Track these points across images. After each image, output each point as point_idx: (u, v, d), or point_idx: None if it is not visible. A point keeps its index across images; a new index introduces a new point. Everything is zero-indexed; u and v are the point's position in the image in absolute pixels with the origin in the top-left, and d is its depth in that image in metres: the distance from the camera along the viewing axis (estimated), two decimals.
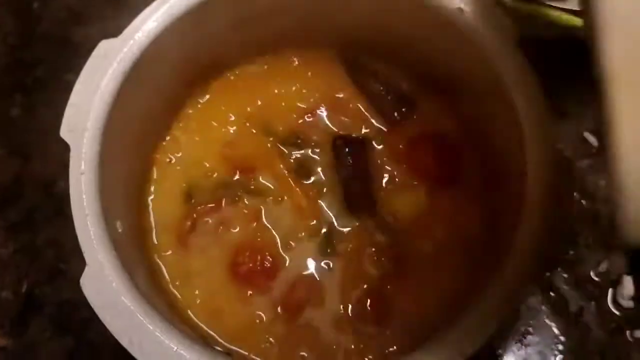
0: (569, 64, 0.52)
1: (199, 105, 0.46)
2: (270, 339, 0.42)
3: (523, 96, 0.38)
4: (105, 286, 0.34)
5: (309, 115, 0.46)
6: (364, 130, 0.46)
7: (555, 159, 0.36)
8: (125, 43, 0.38)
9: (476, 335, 0.33)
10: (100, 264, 0.34)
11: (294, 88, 0.47)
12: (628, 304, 0.46)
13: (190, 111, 0.46)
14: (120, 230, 0.38)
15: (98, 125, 0.36)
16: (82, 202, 0.35)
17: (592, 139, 0.50)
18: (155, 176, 0.45)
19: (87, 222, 0.35)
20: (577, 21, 0.46)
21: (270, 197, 0.45)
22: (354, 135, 0.46)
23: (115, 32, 0.39)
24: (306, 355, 0.41)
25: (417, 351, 0.34)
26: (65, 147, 0.36)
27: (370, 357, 0.40)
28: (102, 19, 0.52)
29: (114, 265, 0.34)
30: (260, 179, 0.45)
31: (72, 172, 0.36)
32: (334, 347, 0.41)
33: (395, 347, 0.41)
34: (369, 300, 0.43)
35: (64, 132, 0.36)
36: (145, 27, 0.38)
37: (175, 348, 0.33)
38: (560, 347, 0.45)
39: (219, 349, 0.40)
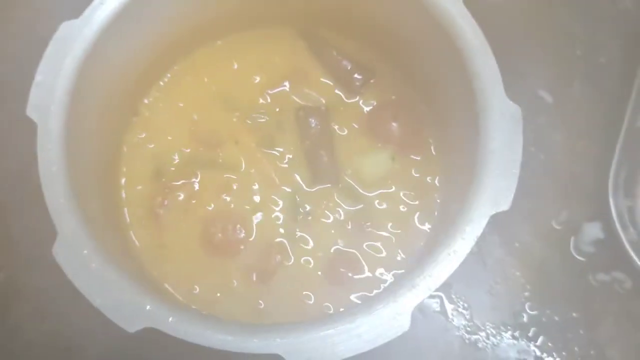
0: (521, 25, 0.54)
1: (164, 85, 0.48)
2: (246, 305, 0.43)
3: (473, 55, 0.39)
4: (76, 253, 0.35)
5: (272, 88, 0.48)
6: (326, 101, 0.48)
7: (506, 110, 0.38)
8: (85, 23, 0.39)
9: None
10: (70, 232, 0.35)
11: (256, 64, 0.48)
12: (589, 249, 0.48)
13: (156, 91, 0.48)
14: (96, 211, 0.39)
15: (63, 102, 0.37)
16: (51, 175, 0.36)
17: (547, 96, 0.52)
18: (125, 154, 0.46)
19: (57, 193, 0.36)
20: None
21: (238, 170, 0.46)
22: (316, 105, 0.48)
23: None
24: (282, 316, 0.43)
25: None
26: (33, 135, 0.37)
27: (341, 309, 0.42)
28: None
29: (84, 233, 0.35)
30: (227, 152, 0.46)
31: (40, 147, 0.37)
32: (310, 307, 0.43)
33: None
34: (340, 262, 0.44)
35: (30, 111, 0.37)
36: (104, 7, 0.40)
37: (148, 306, 0.34)
38: (527, 294, 0.47)
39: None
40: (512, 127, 0.37)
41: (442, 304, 0.47)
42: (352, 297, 0.43)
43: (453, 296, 0.47)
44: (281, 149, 0.46)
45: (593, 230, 0.48)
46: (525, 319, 0.47)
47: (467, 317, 0.47)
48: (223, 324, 0.34)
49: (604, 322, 0.47)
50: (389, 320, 0.34)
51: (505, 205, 0.36)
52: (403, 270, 0.43)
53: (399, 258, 0.44)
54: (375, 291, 0.43)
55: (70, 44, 0.39)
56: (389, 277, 0.43)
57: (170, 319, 0.33)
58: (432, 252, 0.35)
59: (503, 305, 0.47)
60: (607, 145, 0.50)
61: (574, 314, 0.47)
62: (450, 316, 0.47)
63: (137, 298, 0.34)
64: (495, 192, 0.36)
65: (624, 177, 0.49)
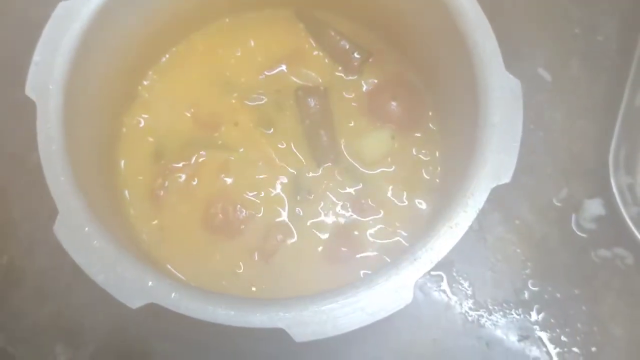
0: (519, 6, 0.54)
1: (162, 67, 0.47)
2: (248, 285, 0.43)
3: (471, 30, 0.39)
4: (77, 231, 0.35)
5: (270, 69, 0.48)
6: (325, 80, 0.48)
7: (506, 85, 0.38)
8: (83, 3, 0.39)
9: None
10: (71, 210, 0.35)
11: (254, 46, 0.48)
12: (591, 226, 0.48)
13: (154, 74, 0.47)
14: (96, 191, 0.39)
15: (61, 82, 0.37)
16: (51, 154, 0.36)
17: (546, 75, 0.52)
18: (125, 137, 0.46)
19: (57, 171, 0.36)
20: None
21: (238, 151, 0.46)
22: (315, 85, 0.47)
23: None
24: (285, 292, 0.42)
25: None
26: (32, 119, 0.37)
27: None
28: None
29: (85, 212, 0.35)
30: (227, 134, 0.46)
31: (39, 126, 0.36)
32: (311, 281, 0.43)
33: None
34: (342, 241, 0.44)
35: (29, 91, 0.37)
36: None
37: (150, 283, 0.34)
38: (529, 271, 0.47)
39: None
40: (513, 101, 0.37)
41: (444, 282, 0.47)
42: (354, 275, 0.43)
43: (455, 274, 0.47)
44: (280, 129, 0.46)
45: (594, 207, 0.48)
46: (527, 296, 0.47)
47: (469, 294, 0.47)
48: (226, 298, 0.34)
49: (606, 298, 0.47)
50: (392, 293, 0.34)
51: (506, 178, 0.36)
52: (404, 247, 0.43)
53: (400, 236, 0.44)
54: (377, 267, 0.43)
55: (67, 24, 0.39)
56: (390, 255, 0.43)
57: (173, 294, 0.33)
58: (434, 225, 0.35)
59: (505, 282, 0.47)
60: (606, 122, 0.50)
61: (576, 291, 0.47)
62: (452, 294, 0.47)
63: (139, 274, 0.34)
64: (496, 164, 0.36)
65: (624, 154, 0.49)
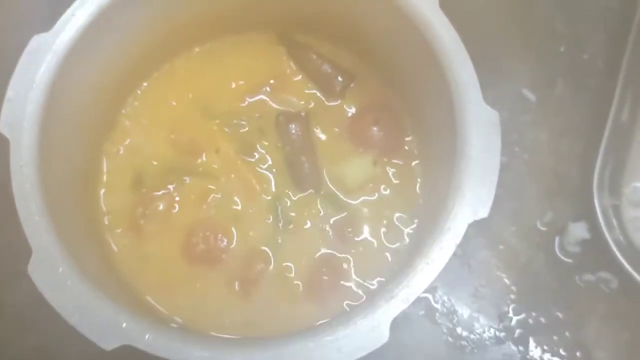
0: (503, 23, 0.54)
1: (141, 94, 0.47)
2: (229, 315, 0.43)
3: (449, 61, 0.38)
4: (52, 271, 0.34)
5: (251, 95, 0.47)
6: (306, 106, 0.47)
7: (484, 116, 0.37)
8: (57, 35, 0.38)
9: None
10: (45, 250, 0.35)
11: (235, 70, 0.48)
12: (575, 249, 0.48)
13: (134, 101, 0.47)
14: (73, 225, 0.39)
15: (35, 118, 0.37)
16: (25, 193, 0.36)
17: (531, 95, 0.51)
18: (105, 166, 0.45)
19: (31, 211, 0.35)
20: None
21: (219, 178, 0.45)
22: (296, 111, 0.47)
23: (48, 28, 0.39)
24: (264, 327, 0.42)
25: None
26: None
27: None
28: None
29: (60, 252, 0.35)
30: (208, 160, 0.46)
31: (12, 165, 0.36)
32: (292, 317, 0.43)
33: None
34: (323, 269, 0.44)
35: (2, 127, 0.37)
36: (76, 18, 0.39)
37: (124, 324, 0.33)
38: (513, 296, 0.47)
39: (174, 325, 0.41)
40: (491, 134, 0.37)
41: (427, 308, 0.47)
42: (336, 304, 0.43)
43: (438, 299, 0.47)
44: (262, 156, 0.46)
45: (578, 231, 0.48)
46: (511, 321, 0.46)
47: (453, 320, 0.46)
48: (201, 340, 0.34)
49: (590, 322, 0.47)
50: (368, 332, 0.33)
51: (483, 213, 0.35)
52: (385, 279, 0.42)
53: (382, 263, 0.44)
54: (359, 298, 0.43)
55: (41, 58, 0.38)
56: (372, 284, 0.43)
57: (147, 336, 0.33)
58: (411, 261, 0.35)
59: (489, 307, 0.47)
60: (592, 143, 0.50)
61: (560, 315, 0.47)
62: (436, 320, 0.46)
63: (113, 315, 0.34)
64: (473, 199, 0.36)
65: (609, 174, 0.48)
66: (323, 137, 0.46)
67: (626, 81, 0.50)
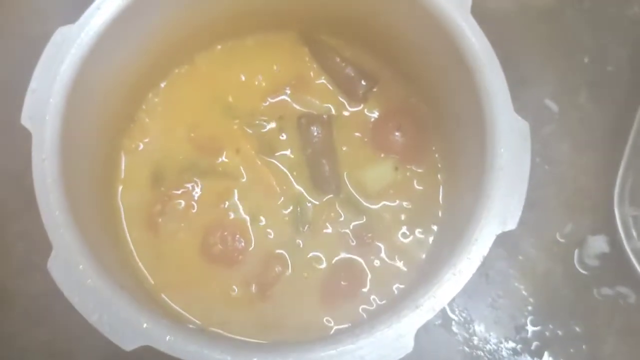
0: (529, 33, 0.53)
1: (162, 90, 0.46)
2: (244, 316, 0.42)
3: (481, 69, 0.38)
4: (72, 268, 0.34)
5: (273, 95, 0.47)
6: (328, 108, 0.47)
7: (515, 127, 0.37)
8: (82, 28, 0.38)
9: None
10: (66, 246, 0.34)
11: (258, 69, 0.47)
12: (594, 262, 0.47)
13: (155, 97, 0.46)
14: (92, 221, 0.38)
15: (58, 111, 0.36)
16: (46, 187, 0.35)
17: (554, 105, 0.51)
18: (123, 162, 0.45)
19: (52, 206, 0.35)
20: None
21: (238, 178, 0.45)
22: (318, 113, 0.47)
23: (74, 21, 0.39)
24: (280, 330, 0.42)
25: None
26: (30, 139, 0.36)
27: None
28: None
29: (80, 248, 0.34)
30: (228, 160, 0.45)
31: (34, 158, 0.36)
32: (308, 321, 0.42)
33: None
34: (341, 274, 0.43)
35: (25, 120, 0.36)
36: (101, 12, 0.38)
37: (145, 325, 0.33)
38: (530, 308, 0.46)
39: (191, 326, 0.40)
40: (520, 144, 0.36)
41: (444, 317, 0.46)
42: (354, 310, 0.42)
43: (455, 309, 0.46)
44: (282, 157, 0.45)
45: (598, 244, 0.47)
46: (528, 333, 0.46)
47: (469, 330, 0.46)
48: (221, 343, 0.33)
49: (607, 337, 0.46)
50: (392, 341, 0.33)
51: (512, 225, 0.35)
52: (404, 285, 0.42)
53: (400, 270, 0.43)
54: (376, 304, 0.42)
55: (65, 50, 0.37)
56: (391, 290, 0.42)
57: (168, 337, 0.33)
58: (437, 271, 0.35)
59: (506, 318, 0.46)
60: (613, 156, 0.49)
61: (577, 329, 0.46)
62: (452, 329, 0.46)
63: (134, 315, 0.33)
64: (502, 210, 0.35)
65: (630, 186, 0.48)
66: (344, 140, 0.46)
67: None
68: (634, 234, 0.47)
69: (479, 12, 0.39)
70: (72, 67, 0.37)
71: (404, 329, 0.33)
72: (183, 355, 0.33)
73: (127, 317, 0.33)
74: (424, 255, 0.43)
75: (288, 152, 0.46)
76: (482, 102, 0.37)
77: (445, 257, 0.35)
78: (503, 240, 0.47)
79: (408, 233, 0.44)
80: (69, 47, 0.38)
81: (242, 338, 0.40)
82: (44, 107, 0.36)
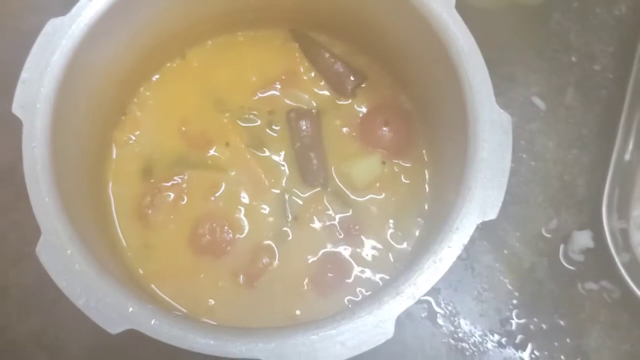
0: (517, 32, 0.54)
1: (154, 84, 0.47)
2: (232, 306, 0.43)
3: (464, 63, 0.38)
4: (60, 253, 0.34)
5: (264, 90, 0.47)
6: (317, 103, 0.47)
7: (497, 119, 0.38)
8: (73, 20, 0.39)
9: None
10: (55, 232, 0.35)
11: (248, 65, 0.48)
12: (579, 257, 0.48)
13: (146, 90, 0.47)
14: (82, 210, 0.39)
15: (49, 101, 0.37)
16: (36, 174, 0.36)
17: (540, 103, 0.52)
18: (114, 154, 0.46)
19: (42, 192, 0.35)
20: None
21: (228, 171, 0.46)
22: (307, 108, 0.47)
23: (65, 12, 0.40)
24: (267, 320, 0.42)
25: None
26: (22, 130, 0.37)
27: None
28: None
29: (69, 234, 0.35)
30: (218, 153, 0.46)
31: (25, 146, 0.36)
32: (295, 312, 0.43)
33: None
34: (328, 266, 0.44)
35: (16, 108, 0.37)
36: (93, 4, 0.39)
37: (131, 309, 0.33)
38: (515, 301, 0.47)
39: (177, 313, 0.41)
40: (502, 136, 0.37)
41: (429, 310, 0.47)
42: (339, 301, 0.43)
43: (441, 301, 0.47)
44: (271, 151, 0.46)
45: (583, 239, 0.48)
46: (512, 326, 0.46)
47: (455, 323, 0.46)
48: (205, 327, 0.34)
49: (591, 331, 0.47)
50: (373, 327, 0.33)
51: (492, 214, 0.36)
52: (389, 277, 0.42)
53: (386, 262, 0.44)
54: (362, 295, 0.43)
55: (57, 41, 0.38)
56: (376, 282, 0.43)
57: (153, 321, 0.33)
58: (418, 259, 0.35)
59: (491, 311, 0.47)
60: (600, 153, 0.50)
61: (562, 322, 0.47)
62: (437, 322, 0.46)
63: (120, 299, 0.34)
64: (483, 201, 0.36)
65: (617, 197, 0.48)
66: (333, 135, 0.47)
67: (634, 95, 0.50)
68: (621, 244, 0.47)
69: (467, 10, 0.39)
70: (63, 58, 0.38)
71: (384, 315, 0.34)
72: (168, 339, 0.33)
73: (113, 301, 0.34)
74: (410, 248, 0.44)
75: (277, 146, 0.46)
76: (465, 95, 0.38)
77: (427, 246, 0.36)
78: (489, 234, 0.48)
79: (394, 226, 0.44)
80: (60, 38, 0.38)
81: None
82: (35, 96, 0.37)
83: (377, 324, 0.33)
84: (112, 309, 0.33)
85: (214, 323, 0.41)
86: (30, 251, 0.48)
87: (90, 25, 0.39)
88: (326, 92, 0.48)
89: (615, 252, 0.46)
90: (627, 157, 0.49)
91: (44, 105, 0.37)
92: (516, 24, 0.54)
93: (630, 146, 0.49)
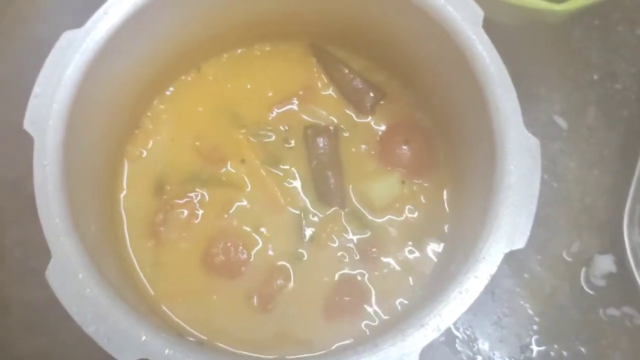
0: (539, 49, 0.53)
1: (168, 98, 0.46)
2: (245, 329, 0.41)
3: (492, 85, 0.37)
4: (71, 277, 0.33)
5: (280, 105, 0.46)
6: (335, 120, 0.46)
7: (525, 144, 0.36)
8: (88, 33, 0.37)
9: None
10: (65, 255, 0.33)
11: (265, 79, 0.47)
12: (600, 282, 0.47)
13: (160, 104, 0.46)
14: (93, 229, 0.38)
15: (61, 117, 0.36)
16: (47, 194, 0.34)
17: (562, 122, 0.50)
18: (126, 169, 0.44)
19: (52, 213, 0.34)
20: (545, 5, 0.46)
21: (243, 188, 0.44)
22: (325, 124, 0.46)
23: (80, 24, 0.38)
24: (281, 344, 0.41)
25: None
26: (31, 144, 0.36)
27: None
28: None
29: (80, 257, 0.34)
30: (232, 170, 0.45)
31: (36, 164, 0.35)
32: (310, 336, 0.41)
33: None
34: (345, 289, 0.43)
35: (27, 124, 0.36)
36: (108, 17, 0.38)
37: (144, 337, 0.32)
38: (535, 327, 0.46)
39: (191, 339, 0.40)
40: (530, 161, 0.36)
41: (447, 334, 0.45)
42: (356, 325, 0.41)
43: (460, 327, 0.46)
44: (287, 169, 0.45)
45: (604, 263, 0.47)
46: (533, 352, 0.45)
47: (474, 349, 0.45)
48: (220, 356, 0.33)
49: (613, 358, 0.45)
50: None
51: (520, 244, 0.34)
52: (408, 302, 0.41)
53: (405, 286, 0.42)
54: (379, 320, 0.42)
55: (71, 55, 0.37)
56: (395, 306, 0.42)
57: (167, 351, 0.32)
58: (443, 289, 0.34)
59: (511, 337, 0.45)
60: (622, 174, 0.49)
61: (583, 349, 0.46)
62: (456, 347, 0.45)
63: (132, 327, 0.32)
64: (510, 229, 0.34)
65: (639, 212, 0.47)
66: (351, 153, 0.45)
67: None
68: None
69: (489, 27, 0.38)
70: (77, 72, 0.37)
71: (408, 347, 0.32)
72: None
73: (125, 329, 0.32)
74: (429, 271, 0.43)
75: (294, 163, 0.45)
76: (492, 118, 0.37)
77: (452, 275, 0.35)
78: (509, 258, 0.46)
79: (413, 248, 0.43)
80: (74, 52, 0.37)
81: (242, 352, 0.40)
82: (47, 112, 0.36)
83: (401, 357, 0.32)
84: (123, 338, 0.32)
85: (228, 348, 0.40)
86: (36, 266, 0.47)
87: (106, 39, 0.37)
88: (344, 109, 0.46)
89: (635, 267, 0.45)
90: None
91: (56, 121, 0.36)
92: (537, 42, 0.52)
93: None
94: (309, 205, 0.44)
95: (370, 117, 0.46)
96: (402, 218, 0.44)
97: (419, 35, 0.42)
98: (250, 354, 0.39)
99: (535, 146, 0.36)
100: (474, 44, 0.38)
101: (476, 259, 0.34)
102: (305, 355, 0.35)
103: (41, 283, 0.46)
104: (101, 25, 0.38)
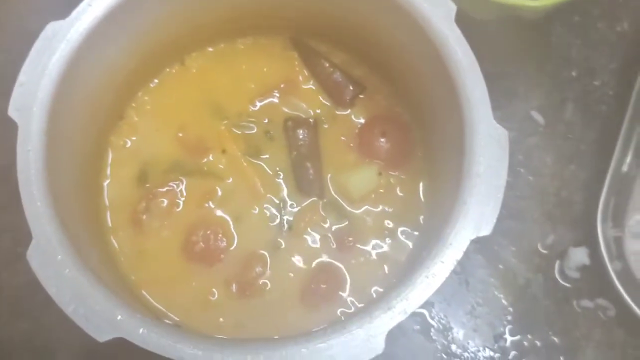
0: (518, 45, 0.54)
1: (152, 89, 0.47)
2: (223, 315, 0.42)
3: (462, 77, 0.38)
4: (51, 258, 0.34)
5: (261, 98, 0.47)
6: (315, 112, 0.47)
7: (494, 135, 0.37)
8: (72, 24, 0.39)
9: None
10: (45, 237, 0.34)
11: (247, 72, 0.48)
12: (574, 274, 0.47)
13: (144, 95, 0.47)
14: (75, 214, 0.39)
15: (45, 104, 0.37)
16: (29, 178, 0.36)
17: (539, 118, 0.51)
18: (110, 158, 0.45)
19: (34, 196, 0.35)
20: (520, 1, 0.47)
21: (224, 178, 0.45)
22: (305, 117, 0.47)
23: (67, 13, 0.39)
24: (258, 330, 0.42)
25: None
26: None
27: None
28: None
29: (60, 239, 0.35)
30: (214, 160, 0.46)
31: (19, 149, 0.36)
32: (287, 322, 0.42)
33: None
34: (322, 277, 0.44)
35: (12, 111, 0.37)
36: (92, 9, 0.39)
37: (119, 317, 0.33)
38: (509, 317, 0.47)
39: (167, 321, 0.41)
40: (499, 152, 0.37)
41: (422, 323, 0.46)
42: (332, 313, 0.42)
43: (434, 315, 0.47)
44: (268, 159, 0.46)
45: (579, 256, 0.47)
46: (506, 342, 0.46)
47: (448, 337, 0.46)
48: (194, 338, 0.33)
49: (585, 349, 0.46)
50: (363, 341, 0.33)
51: (486, 230, 0.35)
52: (382, 290, 0.42)
53: (380, 275, 0.43)
54: (354, 307, 0.43)
55: (56, 45, 0.38)
56: (370, 294, 0.43)
57: (141, 330, 0.33)
58: (410, 274, 0.35)
59: (484, 327, 0.46)
60: (598, 169, 0.50)
61: (556, 340, 0.46)
62: (430, 335, 0.46)
63: (109, 307, 0.33)
64: (477, 216, 0.35)
65: (613, 206, 0.48)
66: (330, 144, 0.46)
67: (635, 110, 0.50)
68: (615, 253, 0.47)
69: (467, 23, 0.39)
70: (61, 62, 0.38)
71: (375, 329, 0.33)
72: (156, 348, 0.33)
73: (102, 308, 0.33)
74: (403, 260, 0.44)
75: (274, 154, 0.46)
76: (462, 109, 0.38)
77: (420, 261, 0.36)
78: (484, 249, 0.48)
79: (389, 238, 0.44)
80: (58, 42, 0.38)
81: (220, 335, 0.41)
82: (32, 99, 0.37)
83: (368, 338, 0.33)
84: (100, 317, 0.33)
85: (205, 332, 0.41)
86: (23, 252, 0.48)
87: (90, 30, 0.39)
88: (324, 102, 0.48)
89: (608, 260, 0.46)
90: (625, 168, 0.49)
91: (40, 109, 0.37)
92: (516, 37, 0.53)
93: (629, 158, 0.49)
94: (288, 195, 0.45)
95: (349, 110, 0.47)
96: (378, 209, 0.45)
97: (395, 31, 0.43)
98: (224, 337, 0.40)
99: (503, 137, 0.37)
100: (446, 38, 0.39)
101: (443, 244, 0.35)
102: (277, 336, 0.36)
103: (28, 268, 0.48)
104: (85, 17, 0.39)
